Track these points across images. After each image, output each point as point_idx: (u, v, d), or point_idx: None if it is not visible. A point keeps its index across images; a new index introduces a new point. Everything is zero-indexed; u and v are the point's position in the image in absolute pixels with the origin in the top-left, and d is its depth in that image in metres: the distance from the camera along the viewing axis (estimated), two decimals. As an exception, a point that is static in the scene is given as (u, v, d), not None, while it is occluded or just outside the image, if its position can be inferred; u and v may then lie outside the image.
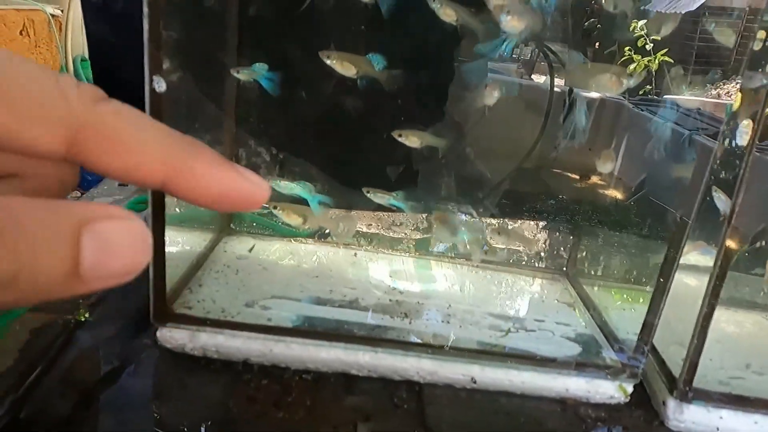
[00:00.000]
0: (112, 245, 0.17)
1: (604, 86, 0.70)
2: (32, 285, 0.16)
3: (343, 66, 0.67)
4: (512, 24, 0.68)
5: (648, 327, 0.58)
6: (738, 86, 0.56)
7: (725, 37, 0.65)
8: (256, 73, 0.68)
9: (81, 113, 0.19)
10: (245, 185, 0.21)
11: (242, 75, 0.68)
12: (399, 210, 0.76)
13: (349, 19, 0.76)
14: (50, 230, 0.16)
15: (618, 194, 0.84)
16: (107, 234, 0.17)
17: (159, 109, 0.50)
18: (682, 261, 0.64)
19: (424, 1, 0.73)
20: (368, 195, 0.72)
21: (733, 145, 0.57)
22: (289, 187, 0.71)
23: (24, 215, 0.16)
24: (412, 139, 0.69)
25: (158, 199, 0.55)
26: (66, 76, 0.19)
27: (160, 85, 0.49)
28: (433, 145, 0.71)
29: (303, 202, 0.72)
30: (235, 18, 0.72)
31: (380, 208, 0.82)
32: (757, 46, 0.54)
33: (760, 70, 0.53)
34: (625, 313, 0.69)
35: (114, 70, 0.80)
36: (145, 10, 0.46)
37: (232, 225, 0.80)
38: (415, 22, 0.74)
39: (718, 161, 0.58)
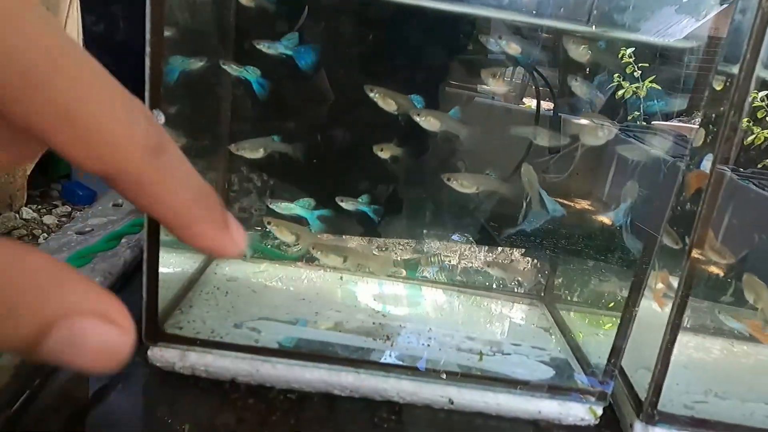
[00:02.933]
0: (79, 347, 0.17)
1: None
2: None
3: (385, 102, 0.70)
4: (511, 47, 0.72)
5: (616, 351, 0.61)
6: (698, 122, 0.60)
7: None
8: (248, 73, 0.71)
9: (140, 164, 0.19)
10: (228, 247, 0.23)
11: (232, 69, 0.71)
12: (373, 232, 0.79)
13: (339, 48, 0.80)
14: (35, 299, 0.16)
15: (606, 220, 0.87)
16: (79, 336, 0.17)
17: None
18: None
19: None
20: (341, 204, 0.76)
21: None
22: (288, 208, 0.74)
23: (24, 271, 0.16)
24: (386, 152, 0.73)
25: (153, 223, 0.58)
26: (136, 101, 0.19)
27: (160, 118, 0.52)
28: (397, 155, 0.74)
29: (303, 221, 0.75)
30: (231, 50, 0.75)
31: (367, 233, 0.86)
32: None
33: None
34: (598, 338, 0.72)
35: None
36: (148, 49, 0.50)
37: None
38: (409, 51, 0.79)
39: (683, 195, 0.62)
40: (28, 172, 2.98)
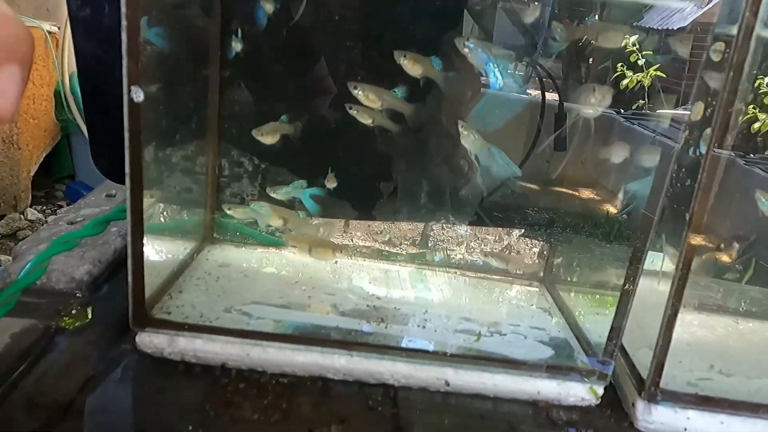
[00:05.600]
0: None
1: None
2: None
3: (368, 99, 0.68)
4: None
5: (616, 330, 0.59)
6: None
7: (682, 47, 0.68)
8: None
9: None
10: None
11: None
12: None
13: (336, 36, 0.78)
14: None
15: (611, 208, 0.85)
16: None
17: (138, 119, 0.52)
18: (653, 268, 0.65)
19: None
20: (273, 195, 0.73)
21: (698, 153, 0.59)
22: (285, 191, 0.73)
23: None
24: (371, 98, 0.69)
25: (136, 208, 0.56)
26: None
27: (138, 95, 0.51)
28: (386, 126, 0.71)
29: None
30: (217, 31, 0.74)
31: (361, 216, 0.84)
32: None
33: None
34: (599, 318, 0.70)
35: (102, 84, 0.82)
36: (123, 22, 0.48)
37: (215, 234, 0.81)
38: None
39: (683, 170, 0.60)
40: (32, 173, 2.99)
